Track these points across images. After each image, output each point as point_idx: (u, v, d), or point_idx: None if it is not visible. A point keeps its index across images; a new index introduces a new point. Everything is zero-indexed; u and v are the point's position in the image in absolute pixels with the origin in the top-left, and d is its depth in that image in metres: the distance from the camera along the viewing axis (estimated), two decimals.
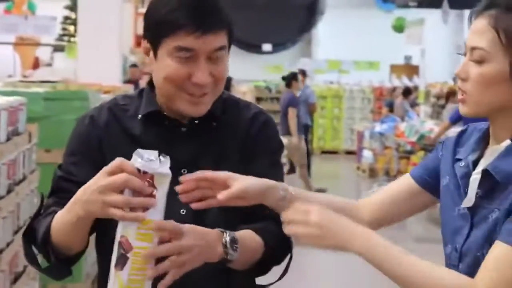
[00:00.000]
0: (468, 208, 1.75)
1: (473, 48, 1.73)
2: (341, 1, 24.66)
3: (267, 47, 23.79)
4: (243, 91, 18.39)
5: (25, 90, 5.48)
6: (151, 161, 1.60)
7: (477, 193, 1.73)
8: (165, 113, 1.92)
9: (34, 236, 1.86)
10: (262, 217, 1.91)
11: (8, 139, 3.57)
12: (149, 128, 1.92)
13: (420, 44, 16.06)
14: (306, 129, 12.28)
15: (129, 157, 1.68)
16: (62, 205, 1.78)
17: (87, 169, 1.84)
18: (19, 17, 10.66)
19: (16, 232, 3.68)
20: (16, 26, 9.98)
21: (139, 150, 1.62)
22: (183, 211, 1.84)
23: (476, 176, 1.75)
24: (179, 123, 1.92)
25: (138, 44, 15.63)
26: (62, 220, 1.76)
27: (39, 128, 4.53)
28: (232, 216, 1.88)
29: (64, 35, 17.02)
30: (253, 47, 24.26)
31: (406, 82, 20.40)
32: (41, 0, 17.24)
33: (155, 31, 1.84)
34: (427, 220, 9.70)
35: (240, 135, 1.97)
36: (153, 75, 1.91)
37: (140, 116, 1.93)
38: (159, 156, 1.62)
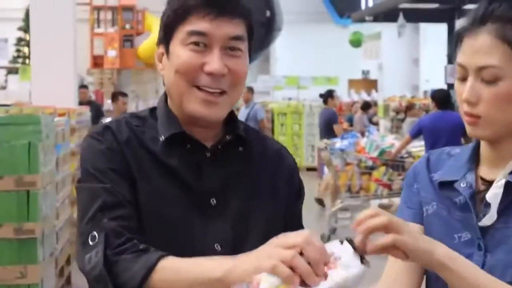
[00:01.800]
0: (475, 234, 1.62)
1: (481, 68, 1.58)
2: (298, 17, 24.71)
3: None
4: None
5: None
6: (349, 258, 1.40)
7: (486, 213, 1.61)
8: (188, 134, 1.72)
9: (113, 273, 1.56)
10: None
11: None
12: (171, 151, 1.71)
13: (377, 58, 16.13)
14: None
15: (155, 177, 1.63)
16: (129, 229, 1.58)
17: (127, 188, 1.64)
18: None
19: None
20: None
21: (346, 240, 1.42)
22: (217, 246, 1.67)
23: (496, 191, 1.61)
24: (203, 147, 1.73)
25: (95, 64, 15.49)
26: (189, 273, 1.49)
27: None
28: None
29: (18, 57, 16.79)
30: None
31: (364, 96, 20.48)
32: None
33: (167, 26, 1.70)
34: None
35: (270, 170, 1.81)
36: (165, 79, 1.73)
37: (162, 138, 1.71)
38: (362, 261, 1.41)
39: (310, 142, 18.19)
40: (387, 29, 18.01)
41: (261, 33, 24.75)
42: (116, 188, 1.64)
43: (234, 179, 1.74)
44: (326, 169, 13.45)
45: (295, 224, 1.84)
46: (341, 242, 1.43)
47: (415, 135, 8.87)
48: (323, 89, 21.47)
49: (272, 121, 18.41)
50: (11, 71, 16.01)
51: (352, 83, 24.11)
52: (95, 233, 1.59)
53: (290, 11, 23.96)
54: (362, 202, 9.83)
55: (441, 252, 1.50)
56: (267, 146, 1.86)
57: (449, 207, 1.68)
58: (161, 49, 1.73)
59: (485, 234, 1.62)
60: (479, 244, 1.63)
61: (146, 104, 20.47)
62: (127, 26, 24.40)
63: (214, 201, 1.70)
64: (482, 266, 1.59)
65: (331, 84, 21.16)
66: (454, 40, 1.67)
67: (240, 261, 1.46)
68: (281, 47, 24.98)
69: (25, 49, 16.68)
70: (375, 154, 9.55)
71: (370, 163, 9.52)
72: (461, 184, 1.68)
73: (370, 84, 22.83)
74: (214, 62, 1.65)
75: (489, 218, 1.61)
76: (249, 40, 1.78)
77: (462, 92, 1.62)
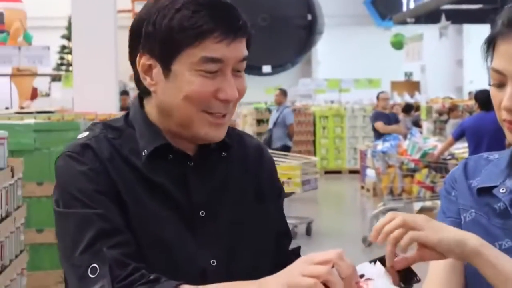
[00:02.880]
0: None
1: None
2: (339, 20, 24.64)
3: (267, 68, 23.73)
4: (243, 114, 18.30)
5: (16, 122, 5.38)
6: (381, 281, 1.37)
7: None
8: (172, 145, 1.64)
9: None
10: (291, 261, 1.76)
11: None
12: (154, 165, 1.61)
13: (419, 60, 16.00)
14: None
15: (144, 198, 1.55)
16: (132, 257, 1.49)
17: (116, 211, 1.54)
18: (12, 48, 10.57)
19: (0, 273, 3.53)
20: (10, 57, 9.88)
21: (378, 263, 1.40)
22: (213, 262, 1.62)
23: None
24: (186, 156, 1.65)
25: None
26: None
27: (30, 161, 4.42)
28: (263, 263, 1.69)
29: (62, 64, 17.01)
30: (253, 69, 24.22)
31: (407, 98, 20.30)
32: (38, 31, 17.23)
33: (167, 42, 1.55)
34: None
35: (253, 170, 1.76)
36: (161, 97, 1.60)
37: (145, 152, 1.61)
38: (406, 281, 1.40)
39: (353, 145, 18.10)
40: (429, 31, 17.86)
41: (302, 37, 24.79)
42: (108, 213, 1.53)
43: (220, 187, 1.68)
44: (368, 172, 13.38)
45: (282, 224, 1.81)
46: (373, 262, 1.40)
47: (458, 136, 8.77)
48: (365, 92, 21.41)
49: (314, 124, 18.35)
50: (55, 78, 16.23)
51: (394, 85, 23.93)
52: (95, 265, 1.48)
53: (332, 14, 23.92)
54: (405, 205, 9.75)
55: (474, 240, 1.46)
56: (247, 144, 1.80)
57: (488, 214, 1.62)
58: (149, 61, 1.60)
59: None
60: None
61: None
62: None
63: (203, 213, 1.63)
64: None
65: (373, 87, 21.04)
66: (486, 44, 1.60)
67: (269, 279, 1.40)
68: (322, 50, 24.94)
69: (68, 57, 16.88)
70: (417, 156, 9.46)
71: (412, 165, 9.44)
72: (501, 190, 1.62)
73: (413, 86, 22.64)
74: (230, 89, 1.58)
75: None
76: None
77: (499, 99, 1.56)
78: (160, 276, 1.48)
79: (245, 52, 1.61)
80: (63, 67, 16.90)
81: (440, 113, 15.53)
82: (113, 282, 1.46)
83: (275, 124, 13.24)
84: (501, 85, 1.56)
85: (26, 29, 15.64)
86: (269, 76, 23.94)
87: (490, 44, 1.58)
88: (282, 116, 13.17)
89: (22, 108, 11.95)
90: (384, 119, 12.08)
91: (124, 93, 13.30)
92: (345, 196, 12.88)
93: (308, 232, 9.84)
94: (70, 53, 16.03)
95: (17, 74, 14.40)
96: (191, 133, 1.61)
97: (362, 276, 1.38)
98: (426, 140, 10.23)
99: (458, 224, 1.69)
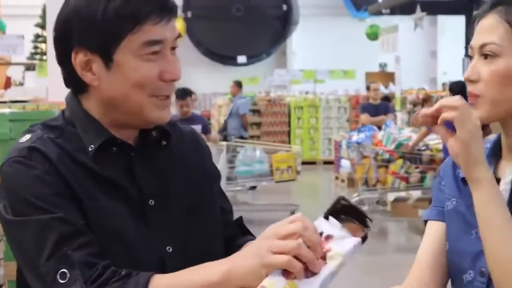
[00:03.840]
0: None
1: (483, 45, 1.66)
2: (314, 11, 24.65)
3: (242, 59, 23.71)
4: (218, 104, 18.29)
5: None
6: (340, 234, 1.38)
7: None
8: (117, 138, 1.64)
9: None
10: (234, 236, 1.82)
11: None
12: (101, 159, 1.61)
13: (394, 51, 16.05)
14: None
15: (97, 193, 1.55)
16: (98, 256, 1.50)
17: (76, 210, 1.53)
18: None
19: None
20: None
21: (331, 218, 1.40)
22: (169, 248, 1.65)
23: (505, 187, 1.66)
24: (129, 147, 1.66)
25: None
26: (186, 285, 1.46)
27: (6, 150, 4.38)
28: (217, 248, 1.74)
29: (36, 53, 16.88)
30: (228, 60, 24.18)
31: (382, 89, 20.38)
32: (12, 19, 17.07)
33: (105, 34, 1.55)
34: (409, 230, 9.62)
35: (193, 155, 1.80)
36: (106, 90, 1.59)
37: (92, 147, 1.60)
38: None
39: (327, 135, 18.16)
40: (404, 22, 17.92)
41: (277, 27, 24.76)
42: (68, 215, 1.51)
43: (166, 174, 1.70)
44: (343, 162, 13.43)
45: (226, 202, 1.86)
46: (326, 218, 1.41)
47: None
48: (340, 83, 21.45)
49: (289, 115, 18.39)
50: (29, 67, 16.10)
51: (369, 76, 24.01)
52: (64, 270, 1.47)
53: (307, 4, 23.93)
54: (379, 195, 9.81)
55: (480, 173, 1.58)
56: (181, 131, 1.82)
57: (468, 202, 1.67)
58: (85, 56, 1.58)
59: None
60: None
61: None
62: None
63: (153, 202, 1.65)
64: None
65: (347, 78, 21.11)
66: (472, 26, 1.73)
67: (238, 260, 1.44)
68: (297, 41, 24.95)
69: (43, 46, 16.75)
70: (392, 147, 9.52)
71: (387, 156, 9.49)
72: None
73: (387, 77, 22.70)
74: (174, 69, 1.60)
75: None
76: None
77: None
78: (131, 271, 1.49)
79: (177, 30, 1.64)
80: (37, 56, 16.75)
81: (415, 104, 15.63)
82: (85, 283, 1.46)
83: (230, 115, 13.41)
84: (472, 58, 1.70)
85: (0, 17, 15.50)
86: (244, 66, 23.91)
87: (475, 25, 1.72)
88: (236, 106, 13.30)
89: None
90: (371, 110, 12.10)
91: None
92: (319, 187, 12.92)
93: None
94: (44, 42, 15.90)
95: None
96: (141, 120, 1.63)
97: (321, 234, 1.39)
98: (400, 131, 10.30)
99: (443, 213, 1.78)
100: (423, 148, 9.42)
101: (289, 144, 15.74)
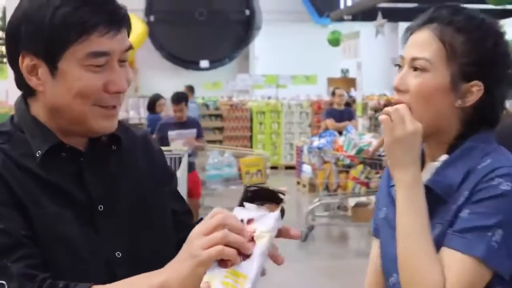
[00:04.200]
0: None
1: (414, 59, 1.75)
2: (277, 16, 24.71)
3: (204, 63, 23.67)
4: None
5: None
6: (259, 214, 1.42)
7: None
8: (65, 143, 1.63)
9: None
10: None
11: None
12: (48, 165, 1.60)
13: (356, 57, 16.17)
14: None
15: (43, 199, 1.53)
16: (38, 268, 1.48)
17: (20, 219, 1.52)
18: None
19: None
20: None
21: (245, 204, 1.43)
22: (118, 254, 1.64)
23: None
24: (78, 153, 1.65)
25: None
26: None
27: None
28: (169, 252, 1.68)
29: None
30: (191, 64, 24.11)
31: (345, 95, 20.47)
32: None
33: (51, 41, 1.53)
34: (370, 235, 9.68)
35: (142, 159, 1.79)
36: (50, 97, 1.58)
37: (39, 153, 1.59)
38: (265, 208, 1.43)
39: (289, 140, 18.21)
40: (366, 28, 18.05)
41: (240, 32, 24.72)
42: (9, 226, 1.50)
43: (116, 180, 1.69)
44: (304, 168, 13.48)
45: (181, 203, 1.87)
46: (242, 205, 1.44)
47: None
48: (302, 88, 21.52)
49: (251, 120, 18.41)
50: None
51: (331, 81, 24.13)
52: (2, 282, 1.46)
53: (270, 10, 23.98)
54: (340, 201, 9.87)
55: (408, 177, 1.72)
56: (133, 135, 1.81)
57: (393, 209, 1.79)
58: (32, 61, 1.57)
59: None
60: None
61: (125, 103, 20.42)
62: None
63: (102, 207, 1.64)
64: None
65: (309, 83, 21.20)
66: (404, 36, 1.84)
67: (173, 267, 1.44)
68: (260, 45, 24.97)
69: (2, 48, 16.57)
70: (352, 152, 9.58)
71: (347, 161, 9.55)
72: (395, 188, 1.79)
73: (349, 82, 22.84)
74: (120, 81, 1.59)
75: None
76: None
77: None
78: (69, 283, 1.48)
79: (128, 42, 1.62)
80: None
81: (376, 110, 15.77)
82: None
83: None
84: (401, 69, 1.81)
85: None
86: (206, 71, 23.87)
87: (407, 37, 1.84)
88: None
89: None
90: (337, 116, 12.18)
91: None
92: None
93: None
94: (3, 44, 15.77)
95: None
96: (84, 128, 1.62)
97: (241, 220, 1.43)
98: (361, 137, 10.37)
99: (376, 228, 1.96)
100: (384, 153, 9.49)
101: (251, 149, 15.78)
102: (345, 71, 25.49)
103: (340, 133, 10.68)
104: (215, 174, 10.02)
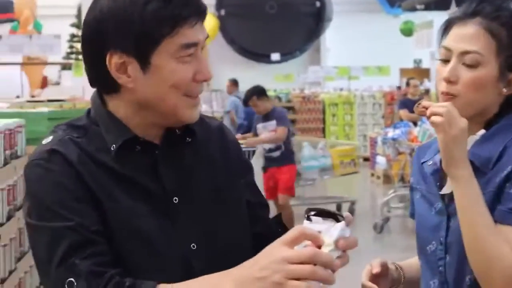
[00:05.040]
0: (443, 203, 1.91)
1: (465, 52, 1.84)
2: (348, 7, 24.55)
3: (275, 56, 23.68)
4: None
5: (29, 111, 5.41)
6: (330, 226, 1.40)
7: None
8: (140, 137, 1.64)
9: None
10: (272, 234, 1.75)
11: (6, 163, 3.46)
12: (123, 159, 1.62)
13: (429, 47, 15.93)
14: None
15: (118, 193, 1.56)
16: (106, 265, 1.50)
17: (94, 214, 1.54)
18: (24, 36, 10.60)
19: (19, 259, 3.56)
20: (21, 46, 9.90)
21: (311, 213, 1.42)
22: (193, 246, 1.64)
23: None
24: (153, 145, 1.66)
25: None
26: None
27: None
28: (244, 244, 1.73)
29: (71, 53, 17.00)
30: (262, 57, 24.15)
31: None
32: (47, 19, 17.25)
33: (143, 37, 1.55)
34: None
35: (219, 151, 1.79)
36: (142, 92, 1.59)
37: (114, 147, 1.61)
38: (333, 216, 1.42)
39: (362, 132, 18.09)
40: (440, 17, 17.81)
41: (310, 24, 24.62)
42: (82, 223, 1.52)
43: (190, 172, 1.69)
44: (378, 159, 13.36)
45: (256, 195, 1.86)
46: (308, 219, 1.42)
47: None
48: (374, 79, 21.33)
49: (323, 112, 18.34)
50: (65, 67, 16.24)
51: (404, 72, 23.85)
52: (71, 279, 1.48)
53: (340, 1, 23.84)
54: None
55: (459, 170, 1.79)
56: (208, 126, 1.81)
57: (429, 186, 1.98)
58: (121, 58, 1.58)
59: (449, 204, 1.89)
60: (442, 210, 1.92)
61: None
62: None
63: (177, 199, 1.64)
64: (447, 229, 1.90)
65: (382, 74, 20.98)
66: (443, 27, 1.93)
67: (245, 284, 1.39)
68: (331, 37, 24.84)
69: (78, 45, 16.88)
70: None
71: None
72: (428, 163, 1.98)
73: (422, 73, 22.53)
74: (206, 70, 1.62)
75: (447, 187, 1.87)
76: None
77: (443, 72, 1.87)
78: (135, 282, 1.49)
79: (206, 31, 1.65)
80: (73, 56, 16.88)
81: None
82: None
83: (226, 112, 13.73)
84: (447, 61, 1.88)
85: (36, 17, 15.66)
86: (278, 64, 23.88)
87: (446, 28, 1.93)
88: (235, 105, 13.60)
89: (33, 96, 12.00)
90: (411, 106, 12.06)
91: None
92: (355, 184, 12.87)
93: (351, 212, 10.12)
94: (80, 41, 16.04)
95: (28, 63, 14.45)
96: (174, 119, 1.64)
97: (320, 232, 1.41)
98: None
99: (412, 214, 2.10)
100: None
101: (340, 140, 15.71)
102: (418, 62, 25.15)
103: (415, 123, 10.54)
104: (312, 165, 10.17)
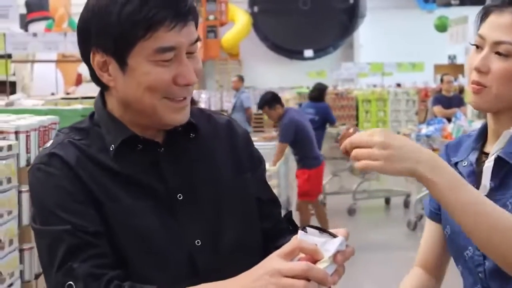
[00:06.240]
0: None
1: (498, 43, 1.75)
2: (381, 3, 24.44)
3: (308, 53, 23.68)
4: (286, 98, 18.29)
5: (64, 108, 5.44)
6: (328, 238, 1.39)
7: (490, 185, 1.76)
8: (139, 135, 1.63)
9: None
10: (281, 231, 1.77)
11: None
12: (124, 158, 1.61)
13: (464, 42, 15.79)
14: None
15: (119, 193, 1.55)
16: (105, 267, 1.50)
17: (94, 215, 1.54)
18: (58, 34, 10.67)
19: None
20: (56, 44, 9.97)
21: (306, 228, 1.40)
22: (198, 242, 1.63)
23: (489, 164, 1.78)
24: (155, 143, 1.65)
25: None
26: None
27: None
28: (252, 240, 1.71)
29: None
30: (295, 54, 24.16)
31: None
32: None
33: (119, 38, 1.53)
34: None
35: (226, 146, 1.76)
36: (122, 92, 1.58)
37: (113, 147, 1.60)
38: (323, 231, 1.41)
39: (396, 128, 17.98)
40: (474, 13, 17.64)
41: (344, 20, 24.54)
42: (82, 225, 1.52)
43: (194, 168, 1.68)
44: None
45: (265, 191, 1.82)
46: (304, 230, 1.40)
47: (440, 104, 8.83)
48: (408, 76, 21.23)
49: (357, 108, 18.29)
50: None
51: (438, 68, 23.69)
52: (70, 282, 1.49)
53: None
54: None
55: (423, 167, 1.53)
56: (216, 122, 1.79)
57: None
58: (102, 57, 1.57)
59: None
60: None
61: (230, 94, 20.69)
62: (211, 17, 24.69)
63: (181, 196, 1.63)
64: None
65: (416, 71, 20.86)
66: (480, 15, 1.83)
67: None
68: (365, 33, 24.77)
69: None
70: None
71: None
72: (463, 164, 1.85)
73: (456, 69, 22.36)
74: (188, 74, 1.57)
75: (483, 188, 1.76)
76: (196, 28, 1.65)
77: (474, 61, 1.79)
78: (135, 285, 1.48)
79: (196, 35, 1.59)
80: None
81: None
82: None
83: (233, 109, 13.46)
84: (480, 48, 1.80)
85: (71, 15, 15.80)
86: (311, 60, 23.87)
87: (483, 16, 1.82)
88: (240, 101, 13.30)
89: (67, 93, 12.11)
90: (445, 103, 11.96)
91: None
92: (389, 181, 12.83)
93: (406, 204, 10.25)
94: None
95: (62, 60, 14.58)
96: (156, 121, 1.61)
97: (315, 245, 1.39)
98: (471, 123, 10.13)
99: (433, 213, 1.98)
100: None
101: None
102: (452, 57, 24.97)
103: (449, 120, 10.46)
104: None
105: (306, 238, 1.39)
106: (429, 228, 2.02)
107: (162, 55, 1.53)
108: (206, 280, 1.49)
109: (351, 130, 1.60)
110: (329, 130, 10.47)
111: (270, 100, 8.26)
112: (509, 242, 1.56)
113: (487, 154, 1.83)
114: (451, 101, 11.99)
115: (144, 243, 1.58)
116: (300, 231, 1.39)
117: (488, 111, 1.83)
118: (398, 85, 21.42)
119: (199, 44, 1.63)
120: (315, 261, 1.36)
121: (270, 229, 1.74)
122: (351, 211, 10.08)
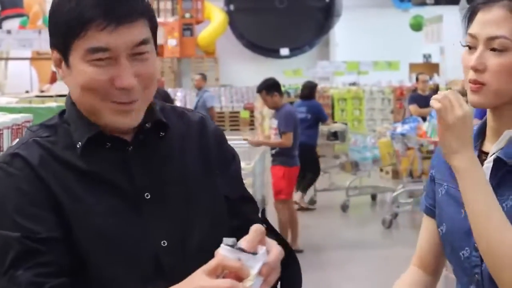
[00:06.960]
0: None
1: (492, 38, 1.73)
2: (357, 2, 24.51)
3: (284, 51, 23.70)
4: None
5: (38, 106, 5.40)
6: (250, 255, 1.37)
7: None
8: (107, 133, 1.60)
9: None
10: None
11: None
12: (92, 156, 1.58)
13: (439, 41, 15.91)
14: None
15: (83, 193, 1.53)
16: (49, 275, 1.47)
17: (51, 219, 1.52)
18: (33, 31, 10.60)
19: None
20: (31, 41, 9.92)
21: (226, 240, 1.38)
22: (164, 243, 1.61)
23: (488, 165, 1.77)
24: (123, 142, 1.62)
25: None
26: None
27: None
28: (219, 235, 1.62)
29: None
30: (271, 52, 24.17)
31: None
32: None
33: (60, 34, 1.53)
34: None
35: (197, 144, 1.74)
36: (69, 89, 1.60)
37: (80, 145, 1.58)
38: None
39: (371, 127, 18.06)
40: (449, 12, 17.73)
41: (320, 19, 24.65)
42: (32, 230, 1.50)
43: (163, 167, 1.65)
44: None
45: (237, 188, 1.80)
46: (229, 245, 1.39)
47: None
48: (383, 74, 21.30)
49: (332, 107, 18.33)
50: None
51: (413, 67, 23.80)
52: None
53: None
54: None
55: (458, 161, 1.71)
56: (188, 120, 1.76)
57: (456, 185, 1.80)
58: (57, 54, 1.58)
59: None
60: None
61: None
62: (187, 15, 24.60)
63: (149, 196, 1.61)
64: None
65: (391, 69, 20.94)
66: (467, 15, 1.82)
67: None
68: (340, 32, 24.83)
69: None
70: (437, 138, 9.42)
71: (432, 147, 9.41)
72: None
73: (431, 68, 22.48)
74: (124, 77, 1.53)
75: None
76: (153, 35, 1.61)
77: (469, 61, 1.78)
78: None
79: (140, 36, 1.55)
80: None
81: (462, 95, 15.46)
82: None
83: (196, 108, 13.45)
84: (472, 48, 1.79)
85: (45, 13, 15.67)
86: (287, 58, 23.89)
87: (471, 14, 1.81)
88: (202, 100, 13.21)
89: (42, 91, 12.02)
90: (421, 101, 12.02)
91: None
92: (364, 178, 12.87)
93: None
94: None
95: (37, 58, 14.49)
96: (101, 122, 1.58)
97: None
98: None
99: (430, 210, 1.98)
100: None
101: None
102: (427, 56, 25.11)
103: (424, 119, 10.52)
104: (367, 156, 10.38)
105: (229, 253, 1.36)
106: (426, 224, 2.01)
107: (93, 55, 1.51)
108: (172, 281, 1.46)
109: None
110: (321, 127, 10.52)
111: (270, 85, 8.18)
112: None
113: (485, 153, 1.82)
114: (427, 100, 12.02)
115: (108, 243, 1.55)
116: (223, 246, 1.37)
117: (488, 107, 1.82)
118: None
119: (149, 46, 1.58)
120: (241, 278, 1.35)
121: (239, 226, 1.67)
122: (344, 207, 10.17)
